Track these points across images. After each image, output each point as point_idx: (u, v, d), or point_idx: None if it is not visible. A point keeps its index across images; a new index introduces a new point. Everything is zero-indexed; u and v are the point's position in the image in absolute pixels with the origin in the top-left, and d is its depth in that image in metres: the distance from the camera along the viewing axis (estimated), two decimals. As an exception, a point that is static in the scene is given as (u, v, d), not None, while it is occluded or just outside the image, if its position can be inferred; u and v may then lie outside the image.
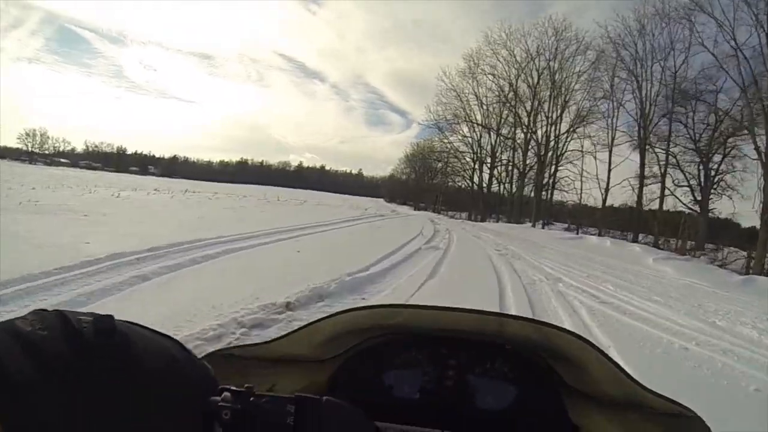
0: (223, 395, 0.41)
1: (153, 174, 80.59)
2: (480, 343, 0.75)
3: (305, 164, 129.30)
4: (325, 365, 0.74)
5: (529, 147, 28.39)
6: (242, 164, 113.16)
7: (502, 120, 30.18)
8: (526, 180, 28.69)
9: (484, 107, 30.92)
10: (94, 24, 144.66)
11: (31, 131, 71.64)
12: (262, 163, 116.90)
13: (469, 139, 32.72)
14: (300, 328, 0.68)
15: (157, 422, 0.35)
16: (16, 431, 0.27)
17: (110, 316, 0.35)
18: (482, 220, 29.21)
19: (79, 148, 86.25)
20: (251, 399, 0.41)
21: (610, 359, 0.61)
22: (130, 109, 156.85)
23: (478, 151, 32.47)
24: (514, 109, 29.14)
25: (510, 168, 30.30)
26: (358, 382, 0.75)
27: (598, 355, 0.61)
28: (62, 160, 74.45)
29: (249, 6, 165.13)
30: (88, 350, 0.32)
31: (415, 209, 44.54)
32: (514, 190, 29.86)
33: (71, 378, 0.31)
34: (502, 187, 31.31)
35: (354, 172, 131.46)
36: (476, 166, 33.24)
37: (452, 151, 34.34)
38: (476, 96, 30.80)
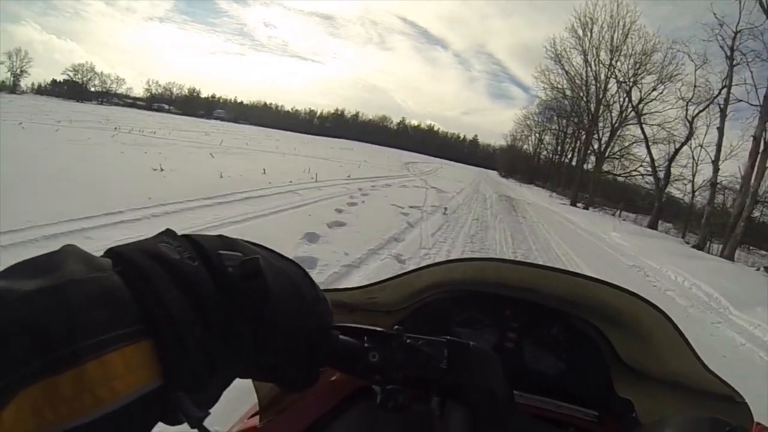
0: (366, 337, 0.41)
1: (219, 118, 68.93)
2: (541, 308, 0.76)
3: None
4: (392, 315, 0.75)
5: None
6: (338, 116, 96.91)
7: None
8: None
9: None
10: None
11: (79, 66, 64.08)
12: (357, 115, 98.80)
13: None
14: (394, 277, 0.70)
15: (280, 363, 0.34)
16: (170, 372, 0.25)
17: (256, 259, 0.32)
18: None
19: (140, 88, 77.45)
20: (407, 341, 0.41)
21: (682, 334, 0.61)
22: (250, 65, 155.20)
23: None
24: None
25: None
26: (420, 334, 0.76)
27: (670, 327, 0.61)
28: (129, 100, 67.25)
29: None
30: (233, 294, 0.30)
31: (573, 203, 21.55)
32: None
33: (215, 323, 0.28)
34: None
35: (468, 137, 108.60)
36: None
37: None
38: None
